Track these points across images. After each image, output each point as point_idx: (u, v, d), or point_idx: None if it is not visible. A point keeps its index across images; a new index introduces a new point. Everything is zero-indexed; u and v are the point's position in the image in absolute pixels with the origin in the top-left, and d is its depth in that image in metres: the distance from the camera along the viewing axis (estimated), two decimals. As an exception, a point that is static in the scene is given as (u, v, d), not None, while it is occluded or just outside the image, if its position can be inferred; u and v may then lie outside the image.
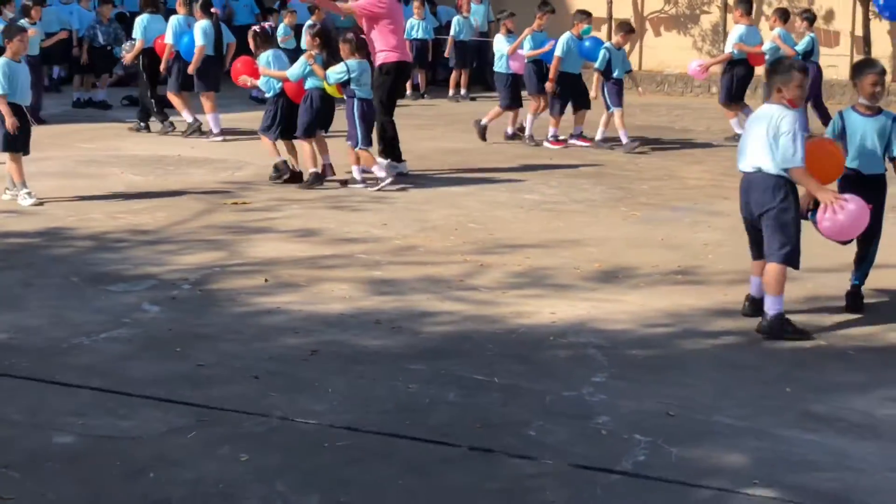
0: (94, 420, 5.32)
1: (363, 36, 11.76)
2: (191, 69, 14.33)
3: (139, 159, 12.76)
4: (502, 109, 14.41)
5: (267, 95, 11.83)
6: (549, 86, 13.85)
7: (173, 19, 14.71)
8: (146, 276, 7.93)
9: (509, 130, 14.51)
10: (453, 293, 7.56)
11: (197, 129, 14.43)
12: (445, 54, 19.80)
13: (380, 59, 11.87)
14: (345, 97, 11.27)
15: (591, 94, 14.07)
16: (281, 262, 8.33)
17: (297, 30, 17.99)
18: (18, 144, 10.35)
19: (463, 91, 19.42)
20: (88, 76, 17.72)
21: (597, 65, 13.85)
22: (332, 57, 11.33)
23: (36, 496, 4.55)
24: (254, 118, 15.92)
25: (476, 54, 19.98)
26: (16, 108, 10.23)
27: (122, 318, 6.93)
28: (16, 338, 6.53)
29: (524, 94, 14.60)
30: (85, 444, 5.07)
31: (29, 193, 10.31)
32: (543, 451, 5.04)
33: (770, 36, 14.74)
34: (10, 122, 10.16)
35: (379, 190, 11.05)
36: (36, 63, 15.42)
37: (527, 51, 14.18)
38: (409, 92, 18.90)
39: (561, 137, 14.02)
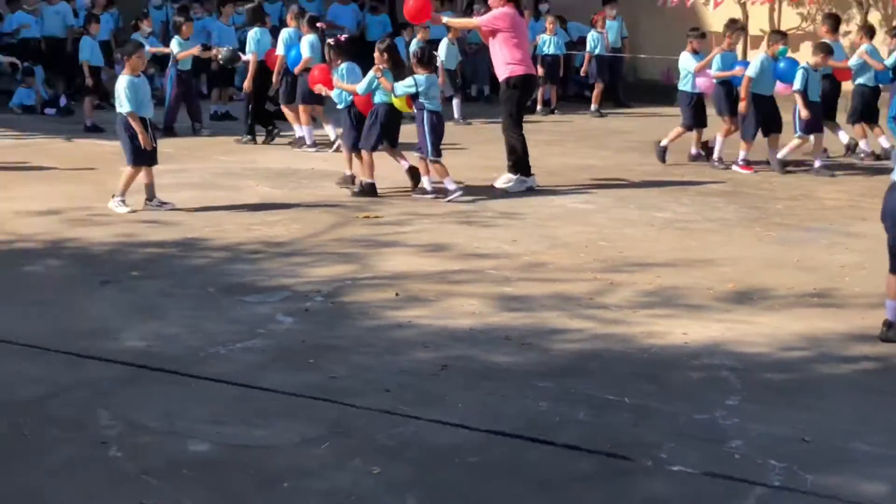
0: (229, 428, 5.43)
1: (434, 52, 12.04)
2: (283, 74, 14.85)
3: (273, 172, 12.98)
4: (684, 129, 14.07)
5: (339, 107, 12.12)
6: (742, 107, 13.45)
7: (284, 32, 15.02)
8: (280, 287, 8.06)
9: (693, 151, 14.12)
10: (583, 311, 7.52)
11: (303, 143, 14.75)
12: (582, 71, 19.67)
13: (505, 72, 11.94)
14: (414, 110, 11.55)
15: (803, 114, 13.38)
16: (411, 276, 8.39)
17: (432, 46, 18.09)
18: (146, 158, 10.64)
19: (594, 106, 19.33)
20: (226, 89, 18.08)
21: (796, 86, 13.35)
22: (399, 72, 11.59)
23: (172, 503, 4.65)
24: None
25: (609, 70, 19.86)
26: (141, 122, 10.54)
27: (257, 329, 7.05)
28: (155, 346, 6.69)
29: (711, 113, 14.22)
30: (220, 452, 5.17)
31: (123, 202, 10.61)
32: (674, 474, 4.99)
33: (857, 52, 14.51)
34: (143, 138, 10.49)
35: (450, 201, 11.21)
36: (188, 77, 15.85)
37: (715, 71, 13.85)
38: (539, 107, 18.94)
39: (749, 161, 13.46)
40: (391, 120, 11.70)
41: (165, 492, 4.74)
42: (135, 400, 5.81)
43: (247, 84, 15.12)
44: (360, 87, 11.62)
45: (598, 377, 6.24)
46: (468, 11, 19.64)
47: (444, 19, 13.75)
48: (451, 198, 11.29)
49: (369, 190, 11.58)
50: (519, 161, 11.98)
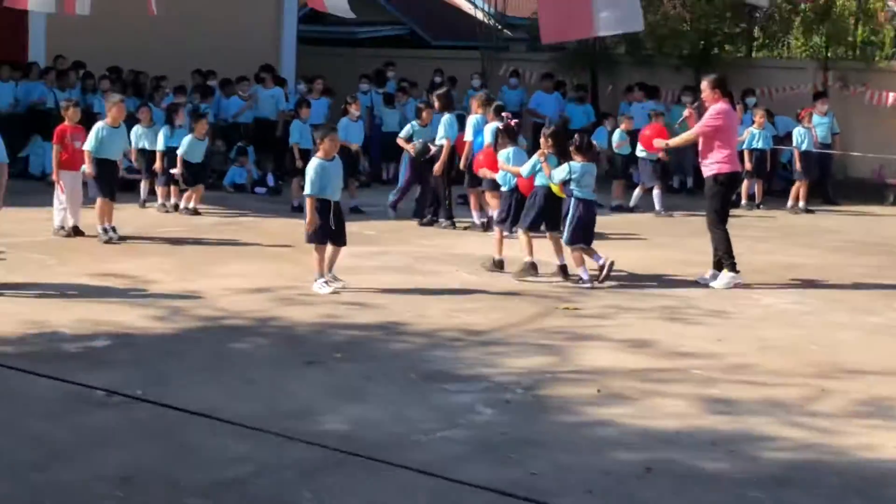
0: (432, 521, 5.40)
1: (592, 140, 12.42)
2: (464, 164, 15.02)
3: (474, 258, 13.02)
4: None
5: (503, 189, 12.43)
6: None
7: (472, 118, 15.19)
8: (480, 376, 8.04)
9: None
10: (793, 418, 7.26)
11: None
12: (797, 167, 19.20)
13: (713, 169, 11.80)
14: (565, 195, 11.67)
15: None
16: (613, 372, 8.26)
17: (632, 135, 18.05)
18: (329, 238, 10.90)
19: (801, 203, 18.88)
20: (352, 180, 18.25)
21: None
22: (562, 157, 11.70)
23: None
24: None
25: (818, 167, 19.40)
26: (324, 204, 10.77)
27: (457, 419, 7.03)
28: (357, 430, 6.73)
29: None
30: (422, 545, 5.14)
31: (326, 282, 10.81)
32: None
33: None
34: (309, 218, 10.75)
35: (591, 286, 11.41)
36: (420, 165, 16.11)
37: None
38: (744, 201, 18.62)
39: None
40: (550, 203, 11.82)
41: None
42: (337, 484, 5.83)
43: (437, 168, 15.30)
44: (524, 169, 11.92)
45: (809, 490, 6.00)
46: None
47: (668, 143, 13.58)
48: (583, 285, 11.46)
49: (529, 268, 11.77)
50: (725, 257, 11.77)
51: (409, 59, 25.79)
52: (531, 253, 11.80)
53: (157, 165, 15.71)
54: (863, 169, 21.17)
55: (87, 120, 15.08)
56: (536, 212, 11.83)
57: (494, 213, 14.71)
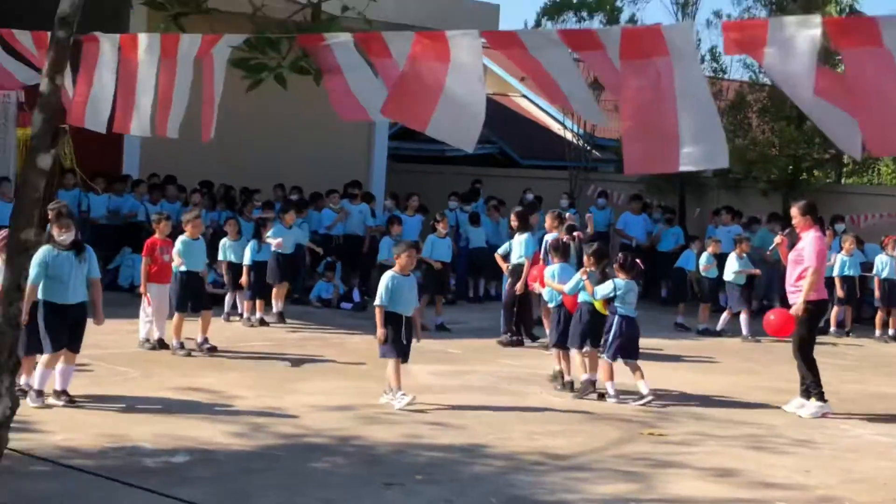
0: None
1: (636, 259, 12.43)
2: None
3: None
4: None
5: (550, 305, 12.72)
6: None
7: (549, 237, 15.20)
8: (561, 502, 7.92)
9: None
10: (884, 556, 7.04)
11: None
12: (877, 294, 18.90)
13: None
14: (608, 313, 11.86)
15: None
16: (696, 501, 8.11)
17: (719, 258, 17.92)
18: (398, 351, 10.92)
19: (892, 331, 18.52)
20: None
21: None
22: (604, 275, 11.99)
23: None
24: (667, 344, 15.92)
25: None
26: (395, 318, 10.87)
27: (538, 547, 6.92)
28: (435, 556, 6.65)
29: None
30: None
31: (403, 395, 10.82)
32: None
33: None
34: (380, 331, 10.85)
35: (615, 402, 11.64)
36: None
37: None
38: (833, 328, 18.32)
39: None
40: (594, 319, 12.01)
41: None
42: None
43: (519, 287, 15.28)
44: (568, 286, 12.22)
45: None
46: None
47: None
48: (610, 400, 11.71)
49: (588, 386, 11.92)
50: (812, 386, 11.55)
51: (498, 178, 26.03)
52: (587, 369, 11.95)
53: (244, 280, 15.89)
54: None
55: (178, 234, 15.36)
56: (583, 328, 12.04)
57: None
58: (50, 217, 10.38)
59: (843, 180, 26.16)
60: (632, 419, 10.90)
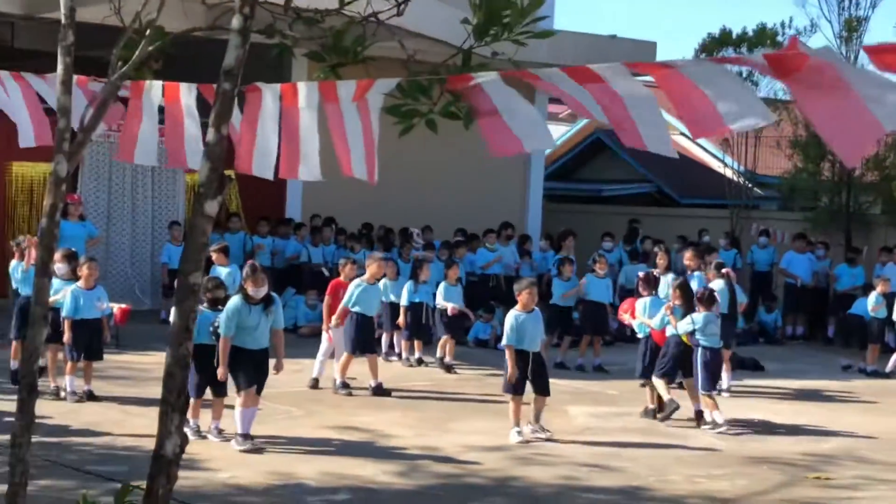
0: None
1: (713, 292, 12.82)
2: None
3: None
4: None
5: (640, 336, 12.97)
6: None
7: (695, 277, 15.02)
8: (724, 547, 7.78)
9: None
10: None
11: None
12: None
13: None
14: (692, 345, 12.31)
15: None
16: (866, 548, 7.86)
17: (888, 298, 17.39)
18: (518, 388, 11.16)
19: None
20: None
21: None
22: (689, 309, 12.40)
23: None
24: (833, 386, 15.50)
25: None
26: (521, 355, 11.11)
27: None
28: None
29: None
30: None
31: (519, 433, 11.05)
32: None
33: None
34: (511, 370, 11.04)
35: (717, 432, 11.83)
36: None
37: None
38: None
39: None
40: (682, 351, 12.37)
41: None
42: None
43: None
44: (655, 322, 12.66)
45: None
46: None
47: None
48: (717, 430, 11.91)
49: (670, 405, 12.34)
50: None
51: (656, 217, 25.81)
52: (669, 392, 12.38)
53: (401, 320, 16.03)
54: None
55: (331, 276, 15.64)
56: (668, 359, 12.41)
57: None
58: (245, 272, 10.70)
59: None
60: (796, 463, 10.64)
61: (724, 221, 24.74)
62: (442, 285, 16.23)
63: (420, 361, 16.16)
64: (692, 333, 12.26)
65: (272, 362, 10.59)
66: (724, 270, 14.93)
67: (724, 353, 14.80)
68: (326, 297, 13.95)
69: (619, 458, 10.54)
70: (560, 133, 33.88)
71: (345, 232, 20.54)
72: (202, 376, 10.32)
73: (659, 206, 29.47)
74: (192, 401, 10.32)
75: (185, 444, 4.27)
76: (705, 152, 31.16)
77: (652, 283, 13.40)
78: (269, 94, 5.92)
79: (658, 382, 12.43)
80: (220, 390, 10.49)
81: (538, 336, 11.43)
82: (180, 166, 6.78)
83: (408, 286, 16.26)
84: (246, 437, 10.17)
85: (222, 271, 14.96)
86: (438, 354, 15.94)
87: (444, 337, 16.00)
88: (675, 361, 12.37)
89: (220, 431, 10.44)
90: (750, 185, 26.29)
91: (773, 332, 21.02)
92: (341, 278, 14.01)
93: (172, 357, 4.20)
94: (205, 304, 10.50)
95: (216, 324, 10.33)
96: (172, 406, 4.24)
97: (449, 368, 15.63)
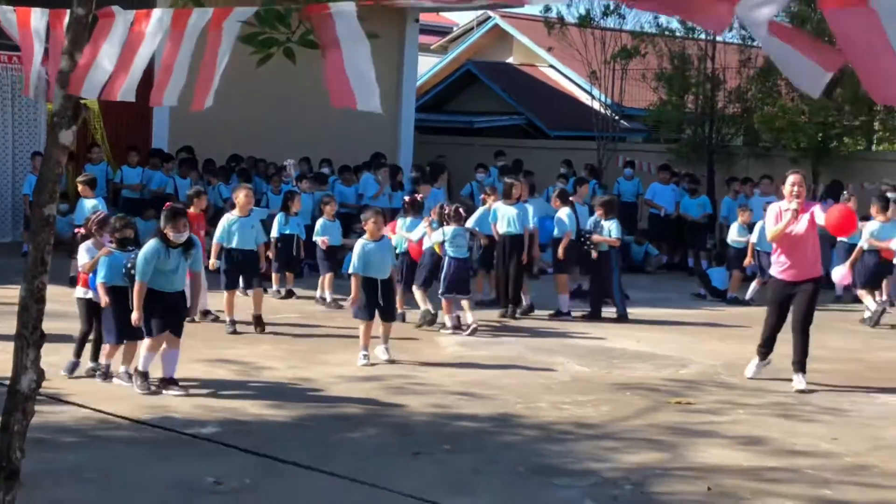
0: None
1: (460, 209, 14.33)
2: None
3: (585, 350, 12.97)
4: None
5: (397, 251, 13.67)
6: None
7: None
8: (589, 471, 7.96)
9: None
10: (911, 523, 7.05)
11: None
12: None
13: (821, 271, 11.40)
14: (442, 255, 13.90)
15: None
16: (724, 469, 8.11)
17: (750, 228, 17.83)
18: (369, 314, 11.68)
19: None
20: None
21: None
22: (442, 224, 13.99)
23: None
24: (695, 314, 15.90)
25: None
26: (369, 282, 11.52)
27: (565, 515, 6.96)
28: (463, 524, 6.71)
29: None
30: None
31: (366, 356, 11.48)
32: None
33: None
34: (353, 295, 11.66)
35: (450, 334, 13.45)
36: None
37: None
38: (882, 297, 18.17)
39: None
40: (435, 262, 14.02)
41: None
42: (441, 580, 5.80)
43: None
44: (414, 235, 14.18)
45: None
46: None
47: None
48: (445, 331, 13.57)
49: (426, 314, 13.81)
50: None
51: (526, 149, 25.99)
52: (427, 303, 13.87)
53: (271, 252, 15.89)
54: None
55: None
56: (424, 270, 14.05)
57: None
58: (165, 216, 10.18)
59: (874, 147, 25.96)
60: (659, 388, 10.92)
61: (591, 153, 25.04)
62: (320, 221, 16.09)
63: (290, 294, 16.09)
64: (443, 244, 13.84)
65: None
66: (570, 199, 15.87)
67: (561, 277, 15.27)
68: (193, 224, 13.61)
69: (488, 386, 10.68)
70: (431, 64, 33.81)
71: (213, 164, 20.26)
72: (119, 320, 9.93)
73: (529, 137, 29.68)
74: (108, 346, 10.15)
75: (42, 380, 4.20)
76: (574, 85, 31.39)
77: (417, 207, 14.60)
78: (122, 19, 5.76)
79: (417, 293, 13.88)
80: (135, 334, 10.02)
81: (386, 264, 11.79)
82: (40, 97, 6.53)
83: (278, 218, 16.14)
84: (144, 375, 9.83)
85: (88, 204, 14.61)
86: (319, 294, 15.78)
87: (326, 275, 15.94)
88: (430, 271, 13.95)
89: (129, 376, 10.05)
90: (616, 118, 26.62)
91: (640, 262, 21.41)
92: (192, 210, 13.66)
93: (27, 290, 4.13)
94: (113, 245, 10.17)
95: (129, 265, 9.91)
96: (28, 341, 4.17)
97: (324, 301, 15.54)
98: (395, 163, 22.76)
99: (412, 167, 22.94)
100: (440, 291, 13.84)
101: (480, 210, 15.76)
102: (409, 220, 14.55)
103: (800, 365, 11.05)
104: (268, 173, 20.36)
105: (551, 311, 15.27)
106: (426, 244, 14.08)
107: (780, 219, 11.02)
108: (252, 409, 9.40)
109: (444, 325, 13.78)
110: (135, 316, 9.76)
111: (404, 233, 14.35)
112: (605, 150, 25.05)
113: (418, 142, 25.70)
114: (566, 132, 29.16)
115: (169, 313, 9.92)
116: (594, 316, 15.19)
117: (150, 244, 9.93)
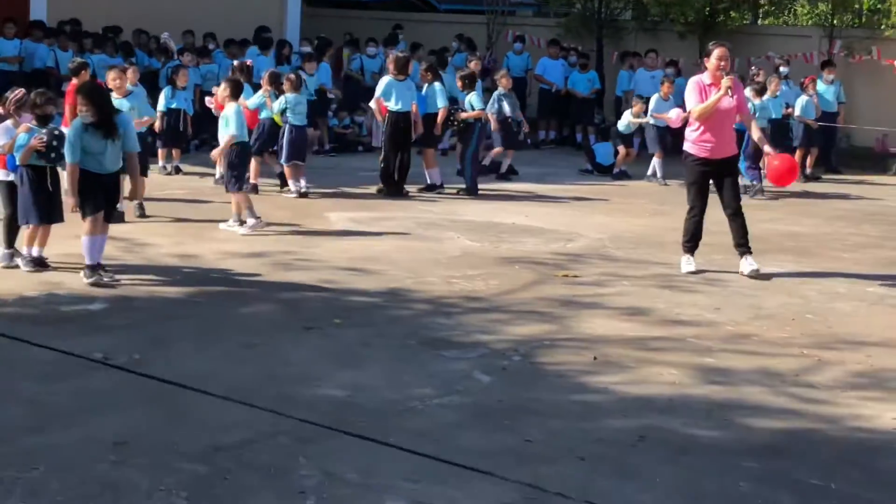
0: (426, 487, 5.42)
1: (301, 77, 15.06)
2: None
3: (475, 224, 13.05)
4: None
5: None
6: None
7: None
8: (477, 343, 8.06)
9: None
10: (788, 388, 7.28)
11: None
12: (800, 135, 19.07)
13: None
14: (283, 123, 14.32)
15: None
16: (609, 339, 8.28)
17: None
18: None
19: (808, 171, 18.85)
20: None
21: None
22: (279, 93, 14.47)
23: (367, 560, 4.66)
24: (582, 189, 16.06)
25: (822, 135, 19.28)
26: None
27: (455, 386, 7.05)
28: (354, 396, 6.76)
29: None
30: (414, 511, 5.16)
31: (241, 224, 11.86)
32: (884, 572, 4.75)
33: None
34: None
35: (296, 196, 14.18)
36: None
37: None
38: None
39: None
40: (274, 132, 14.45)
41: (359, 548, 4.75)
42: (333, 451, 5.86)
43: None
44: (251, 103, 14.17)
45: (803, 460, 6.02)
46: None
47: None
48: (289, 195, 14.32)
49: (252, 189, 13.68)
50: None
51: (417, 23, 25.69)
52: (254, 178, 14.12)
53: (157, 125, 15.55)
54: (866, 138, 21.12)
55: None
56: (259, 137, 14.33)
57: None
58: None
59: (759, 21, 26.21)
60: (546, 262, 11.05)
61: (481, 27, 24.86)
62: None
63: (178, 170, 15.87)
64: (284, 112, 14.23)
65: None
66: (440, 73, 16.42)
67: (428, 152, 15.39)
68: (68, 106, 13.18)
69: (378, 261, 10.70)
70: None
71: (89, 35, 19.61)
72: (36, 202, 9.53)
73: (419, 11, 29.31)
74: (28, 228, 9.69)
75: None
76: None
77: (247, 73, 15.08)
78: None
79: (252, 163, 13.78)
80: (50, 217, 9.66)
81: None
82: None
83: (165, 92, 15.84)
84: (94, 268, 9.29)
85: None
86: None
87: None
88: (267, 139, 14.46)
89: (38, 261, 9.70)
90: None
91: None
92: (74, 81, 13.27)
93: None
94: (33, 121, 9.65)
95: (53, 142, 9.41)
96: None
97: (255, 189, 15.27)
98: (282, 37, 22.34)
99: (300, 41, 22.58)
100: (282, 158, 14.38)
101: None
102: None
103: (746, 247, 10.75)
104: (149, 47, 19.88)
105: (421, 185, 15.35)
106: (265, 114, 14.39)
107: (705, 94, 10.58)
108: (139, 287, 9.29)
109: (288, 190, 14.44)
110: (70, 201, 9.26)
111: (244, 101, 14.06)
112: (494, 25, 24.87)
113: (307, 15, 25.24)
114: (456, 6, 28.87)
115: (101, 194, 9.38)
116: (470, 191, 15.24)
117: (73, 123, 9.34)
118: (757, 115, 15.92)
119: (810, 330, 8.79)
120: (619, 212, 14.43)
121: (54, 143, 9.48)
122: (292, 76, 14.56)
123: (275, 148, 14.63)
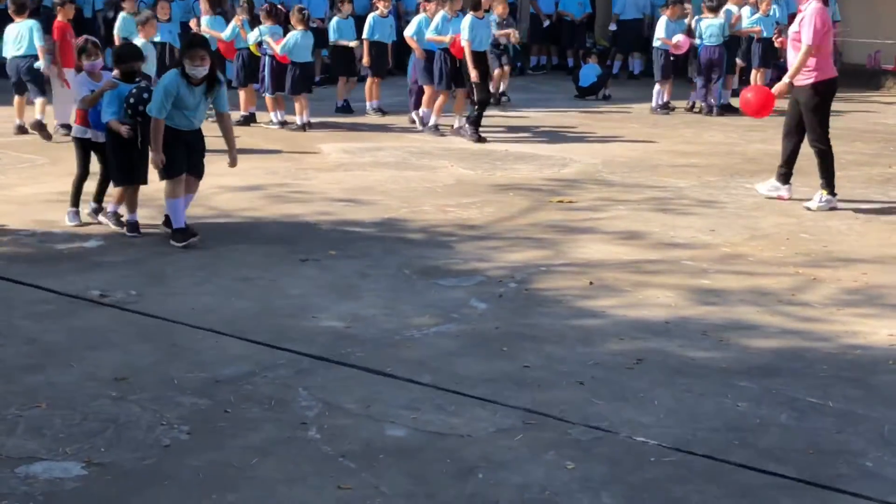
0: (425, 415, 5.45)
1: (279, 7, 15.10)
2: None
3: (469, 153, 13.02)
4: None
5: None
6: None
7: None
8: (474, 271, 8.07)
9: None
10: (783, 307, 7.31)
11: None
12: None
13: (811, 77, 10.29)
14: (260, 54, 14.52)
15: None
16: (605, 264, 8.30)
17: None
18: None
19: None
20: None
21: None
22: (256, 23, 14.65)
23: (370, 488, 4.69)
24: (576, 115, 16.00)
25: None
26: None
27: (451, 314, 7.07)
28: (352, 327, 6.78)
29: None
30: (416, 438, 5.20)
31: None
32: (882, 486, 4.80)
33: None
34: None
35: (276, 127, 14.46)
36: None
37: None
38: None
39: None
40: (252, 61, 14.63)
41: (362, 476, 4.79)
42: (333, 382, 5.89)
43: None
44: (225, 34, 14.60)
45: (800, 379, 6.05)
46: None
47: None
48: (271, 126, 14.52)
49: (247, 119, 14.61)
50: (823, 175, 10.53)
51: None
52: (246, 109, 14.71)
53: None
54: (858, 55, 21.01)
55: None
56: (247, 71, 14.72)
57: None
58: (183, 45, 9.23)
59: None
60: (540, 188, 11.04)
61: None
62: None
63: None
64: (260, 44, 14.32)
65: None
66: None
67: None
68: (57, 43, 13.09)
69: (373, 191, 10.69)
70: None
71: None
72: (123, 159, 9.00)
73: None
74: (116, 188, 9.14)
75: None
76: None
77: (214, 2, 15.31)
78: None
79: (241, 93, 14.44)
80: (135, 178, 9.09)
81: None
82: None
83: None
84: (184, 231, 8.68)
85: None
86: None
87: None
88: (245, 71, 14.66)
89: (118, 217, 9.16)
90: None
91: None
92: (61, 18, 13.15)
93: None
94: (116, 74, 9.06)
95: (132, 100, 8.76)
96: None
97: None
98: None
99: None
100: (265, 91, 14.53)
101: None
102: (210, 18, 15.06)
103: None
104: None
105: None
106: (240, 44, 14.57)
107: (826, 23, 10.11)
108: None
109: (270, 121, 14.61)
110: (155, 158, 8.62)
111: (212, 31, 14.55)
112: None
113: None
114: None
115: (184, 153, 8.83)
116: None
117: (168, 76, 8.70)
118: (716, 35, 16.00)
119: (805, 249, 8.81)
120: (612, 136, 14.38)
121: (141, 107, 8.78)
122: (267, 6, 14.64)
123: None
